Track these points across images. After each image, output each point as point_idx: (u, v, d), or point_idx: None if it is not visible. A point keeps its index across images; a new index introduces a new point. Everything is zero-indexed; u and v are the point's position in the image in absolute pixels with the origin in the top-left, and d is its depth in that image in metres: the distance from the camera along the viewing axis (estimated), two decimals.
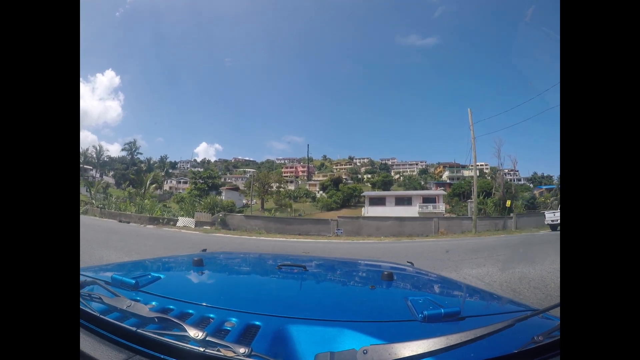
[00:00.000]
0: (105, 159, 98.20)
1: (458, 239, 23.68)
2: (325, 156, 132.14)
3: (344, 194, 64.24)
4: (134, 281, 1.51)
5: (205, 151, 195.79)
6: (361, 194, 60.74)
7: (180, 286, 1.91)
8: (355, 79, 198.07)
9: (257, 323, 1.16)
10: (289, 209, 54.42)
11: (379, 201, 52.46)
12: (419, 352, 0.85)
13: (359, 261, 3.70)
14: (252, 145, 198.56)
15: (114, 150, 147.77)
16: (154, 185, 48.77)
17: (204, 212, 32.79)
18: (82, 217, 27.64)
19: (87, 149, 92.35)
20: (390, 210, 47.22)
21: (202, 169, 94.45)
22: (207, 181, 63.67)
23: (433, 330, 1.19)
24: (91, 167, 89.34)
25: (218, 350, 0.91)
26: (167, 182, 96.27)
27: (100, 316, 1.12)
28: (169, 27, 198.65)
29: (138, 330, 1.02)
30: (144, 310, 1.11)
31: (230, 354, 0.89)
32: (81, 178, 61.32)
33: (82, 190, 47.17)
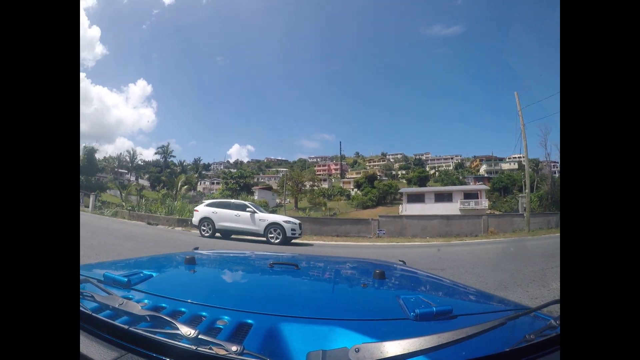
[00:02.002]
0: (140, 162, 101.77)
1: (512, 238, 21.34)
2: (357, 153, 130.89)
3: (379, 191, 62.64)
4: (126, 279, 1.50)
5: (237, 152, 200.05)
6: (398, 191, 58.71)
7: (173, 284, 1.88)
8: (383, 73, 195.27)
9: (249, 321, 1.17)
10: (323, 208, 52.80)
11: (417, 198, 50.25)
12: (410, 351, 0.87)
13: (351, 259, 3.74)
14: (283, 145, 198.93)
15: (149, 154, 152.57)
16: (186, 187, 47.72)
17: None
18: (109, 220, 26.88)
19: (121, 154, 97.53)
20: (429, 208, 45.28)
21: (235, 170, 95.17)
22: (239, 181, 62.77)
23: (425, 328, 1.20)
24: (126, 171, 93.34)
25: (210, 349, 0.92)
26: (200, 184, 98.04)
27: (93, 314, 1.11)
28: (195, 33, 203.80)
29: (130, 329, 1.02)
30: (136, 308, 1.12)
31: (222, 352, 0.90)
32: (115, 182, 62.04)
33: (115, 193, 47.18)
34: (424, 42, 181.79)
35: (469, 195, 49.02)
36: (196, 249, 3.29)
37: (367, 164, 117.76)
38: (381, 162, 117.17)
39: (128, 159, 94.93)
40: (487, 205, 47.24)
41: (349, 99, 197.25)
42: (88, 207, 37.52)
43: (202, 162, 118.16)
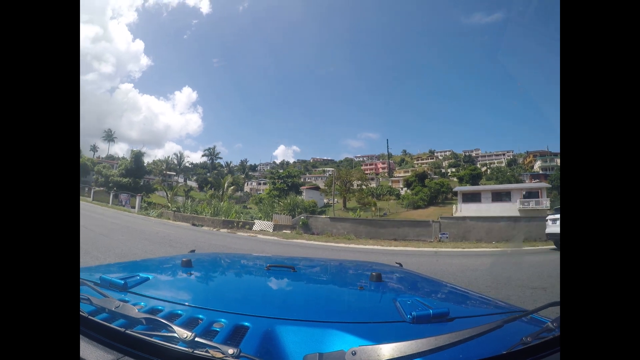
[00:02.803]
0: (188, 165, 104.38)
1: None
2: (405, 151, 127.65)
3: (430, 190, 59.42)
4: (122, 282, 1.49)
5: (283, 153, 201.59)
6: (452, 190, 55.60)
7: (169, 287, 1.87)
8: (426, 68, 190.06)
9: (246, 324, 1.17)
10: (372, 208, 50.39)
11: (473, 197, 46.84)
12: (407, 353, 0.87)
13: (347, 262, 3.77)
14: (328, 145, 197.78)
15: (197, 157, 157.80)
16: (232, 187, 46.55)
17: (284, 214, 29.21)
18: (152, 221, 25.98)
19: (169, 157, 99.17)
20: (486, 208, 42.19)
21: (281, 170, 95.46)
22: (287, 180, 60.76)
23: (422, 331, 1.21)
24: (174, 173, 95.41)
25: (206, 351, 0.92)
26: (247, 184, 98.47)
27: (89, 317, 1.10)
28: (235, 39, 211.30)
29: (126, 331, 1.02)
30: (132, 311, 1.11)
31: (218, 355, 0.91)
32: (163, 184, 62.73)
33: (163, 194, 47.62)
34: (465, 33, 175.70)
35: (529, 194, 45.50)
36: (192, 251, 3.28)
37: (415, 162, 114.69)
38: (429, 160, 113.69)
39: (176, 162, 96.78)
40: (548, 204, 43.70)
41: (393, 96, 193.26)
42: (134, 208, 37.48)
43: (248, 164, 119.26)
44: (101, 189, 48.12)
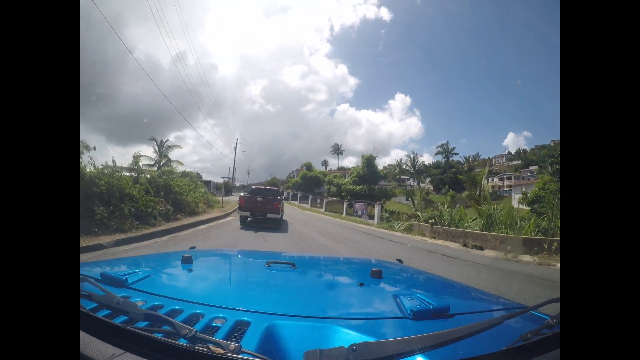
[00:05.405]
0: (421, 166, 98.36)
1: None
2: None
3: None
4: (123, 278, 1.51)
5: (514, 141, 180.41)
6: None
7: (170, 283, 1.90)
8: None
9: (247, 320, 1.18)
10: None
11: None
12: (407, 349, 0.87)
13: (348, 258, 3.93)
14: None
15: (423, 159, 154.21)
16: (490, 185, 35.02)
17: None
18: (399, 240, 17.37)
19: (401, 160, 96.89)
20: None
21: (519, 161, 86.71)
22: None
23: (422, 327, 1.22)
24: (407, 177, 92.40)
25: (207, 347, 0.92)
26: (488, 181, 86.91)
27: (90, 313, 1.11)
28: (426, 31, 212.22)
29: (127, 327, 1.02)
30: (133, 307, 1.13)
31: (219, 351, 0.91)
32: (400, 187, 56.27)
33: (400, 200, 41.22)
34: None
35: None
36: (193, 248, 3.38)
37: None
38: None
39: (410, 163, 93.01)
40: None
41: None
42: (372, 218, 30.04)
43: (480, 158, 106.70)
44: (334, 198, 44.32)
